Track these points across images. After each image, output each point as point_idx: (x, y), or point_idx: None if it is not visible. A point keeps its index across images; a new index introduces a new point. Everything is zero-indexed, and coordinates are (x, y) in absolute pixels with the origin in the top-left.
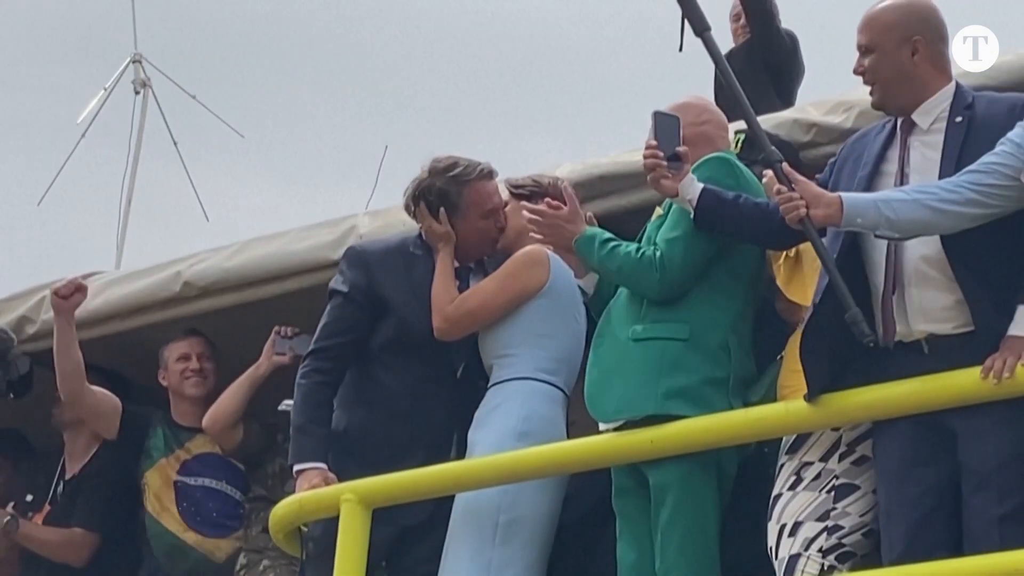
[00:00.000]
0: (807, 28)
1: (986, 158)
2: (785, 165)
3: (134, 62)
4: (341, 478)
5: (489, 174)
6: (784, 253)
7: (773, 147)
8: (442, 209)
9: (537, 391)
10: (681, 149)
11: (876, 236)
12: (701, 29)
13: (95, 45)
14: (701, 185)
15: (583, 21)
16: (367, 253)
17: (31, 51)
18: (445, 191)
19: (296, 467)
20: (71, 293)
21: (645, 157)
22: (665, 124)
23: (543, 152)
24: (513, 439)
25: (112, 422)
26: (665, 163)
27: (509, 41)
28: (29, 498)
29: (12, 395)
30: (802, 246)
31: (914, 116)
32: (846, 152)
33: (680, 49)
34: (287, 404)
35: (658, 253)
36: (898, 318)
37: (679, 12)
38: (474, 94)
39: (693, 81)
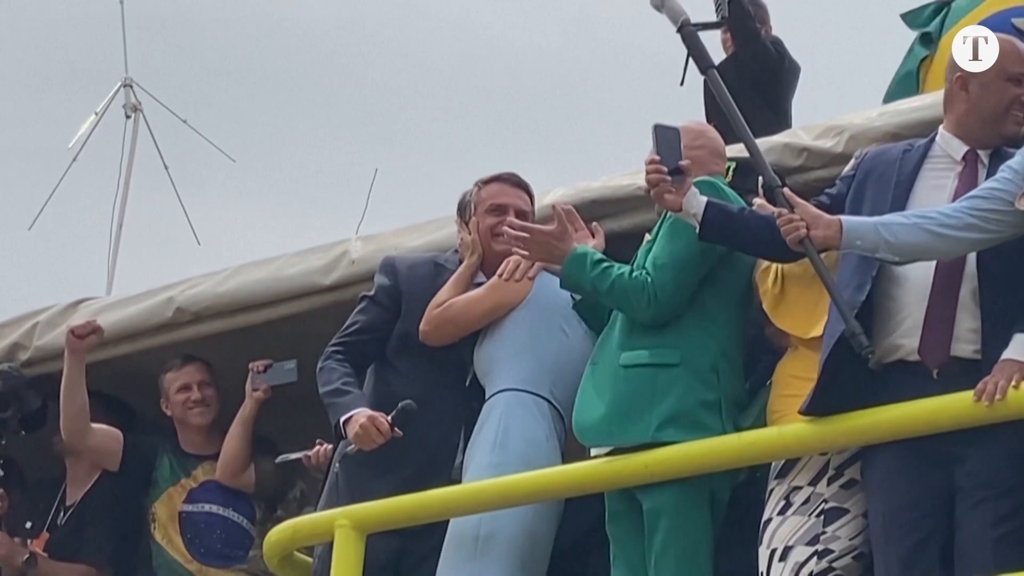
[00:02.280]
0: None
1: (987, 183)
2: (786, 189)
3: (125, 86)
4: (351, 485)
5: (506, 178)
6: (770, 280)
7: (773, 173)
8: (473, 219)
9: (516, 401)
10: (684, 163)
11: (876, 259)
12: (705, 67)
13: (86, 70)
14: (705, 199)
15: (582, 49)
16: (397, 260)
17: (22, 76)
18: (466, 195)
19: (341, 419)
20: (87, 334)
21: (648, 172)
22: (666, 137)
23: (541, 180)
24: (489, 452)
25: (114, 456)
26: (669, 178)
27: (506, 70)
28: (28, 525)
29: (24, 431)
30: (786, 273)
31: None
32: (867, 167)
33: (682, 84)
34: (284, 457)
35: (649, 278)
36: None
37: (683, 47)
38: (469, 122)
39: (694, 108)
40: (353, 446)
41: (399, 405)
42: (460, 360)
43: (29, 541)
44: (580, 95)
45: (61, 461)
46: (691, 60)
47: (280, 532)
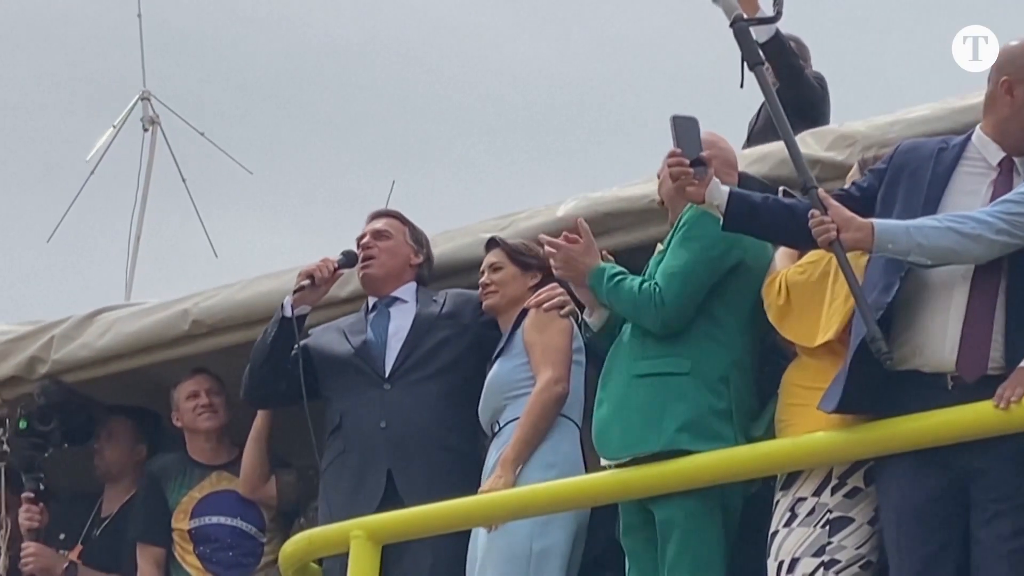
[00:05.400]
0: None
1: (1020, 187)
2: (820, 190)
3: (143, 99)
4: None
5: (370, 215)
6: (775, 291)
7: (811, 174)
8: None
9: (564, 427)
10: (705, 153)
11: (908, 263)
12: (754, 63)
13: (104, 83)
14: (727, 188)
15: (605, 68)
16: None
17: (41, 90)
18: None
19: (285, 300)
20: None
21: (669, 165)
22: (684, 128)
23: (557, 197)
24: (542, 471)
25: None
26: (691, 170)
27: (527, 87)
28: (62, 536)
29: (68, 444)
30: (790, 283)
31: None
32: (900, 162)
33: (741, 86)
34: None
35: (657, 287)
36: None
37: (735, 49)
38: (489, 138)
39: (714, 124)
40: (304, 284)
41: (343, 251)
42: (373, 362)
43: (63, 553)
44: (601, 113)
45: (90, 476)
46: (743, 57)
47: (295, 543)
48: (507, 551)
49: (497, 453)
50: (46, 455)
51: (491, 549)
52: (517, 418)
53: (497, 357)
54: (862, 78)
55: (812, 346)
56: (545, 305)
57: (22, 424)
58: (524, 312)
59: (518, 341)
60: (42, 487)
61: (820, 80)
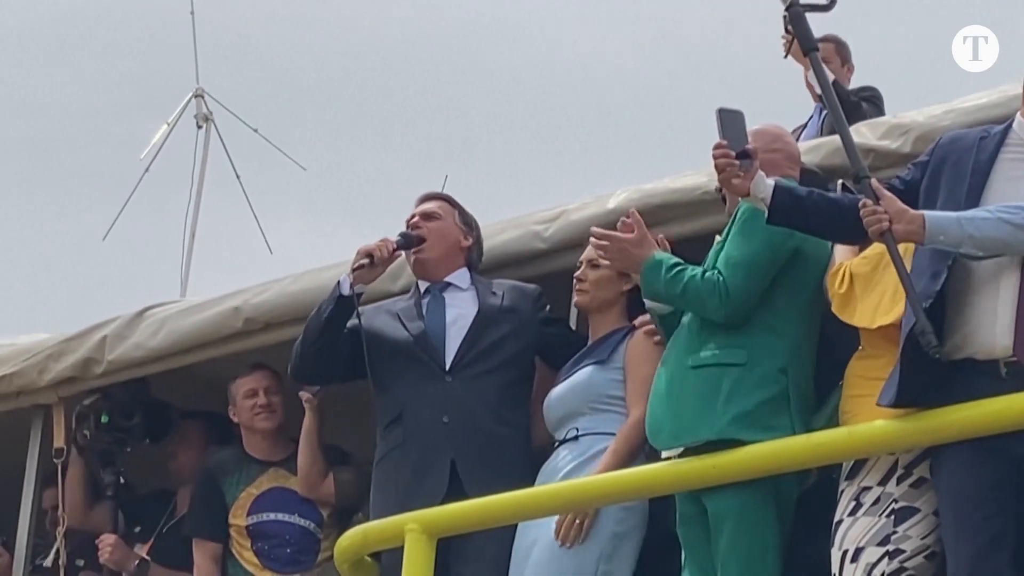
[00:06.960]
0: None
1: None
2: (874, 180)
3: (196, 96)
4: (374, 505)
5: (419, 198)
6: (838, 281)
7: (863, 164)
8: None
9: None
10: (750, 146)
11: (959, 254)
12: (808, 48)
13: (157, 80)
14: (772, 181)
15: (661, 67)
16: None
17: (94, 88)
18: None
19: (341, 278)
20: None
21: (715, 157)
22: (731, 121)
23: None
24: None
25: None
26: (736, 162)
27: (583, 86)
28: (137, 529)
29: (149, 440)
30: (854, 272)
31: None
32: (942, 154)
33: (785, 56)
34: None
35: (721, 277)
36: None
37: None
38: (538, 134)
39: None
40: (364, 263)
41: (401, 232)
42: (432, 352)
43: (137, 545)
44: (657, 112)
45: (165, 475)
46: (796, 42)
47: (350, 538)
48: (574, 569)
49: (572, 461)
50: (128, 450)
51: (555, 562)
52: (599, 432)
53: (584, 359)
54: (862, 78)
55: (872, 327)
56: (656, 339)
57: (104, 418)
58: (627, 323)
59: (620, 356)
60: (122, 480)
61: (876, 100)
